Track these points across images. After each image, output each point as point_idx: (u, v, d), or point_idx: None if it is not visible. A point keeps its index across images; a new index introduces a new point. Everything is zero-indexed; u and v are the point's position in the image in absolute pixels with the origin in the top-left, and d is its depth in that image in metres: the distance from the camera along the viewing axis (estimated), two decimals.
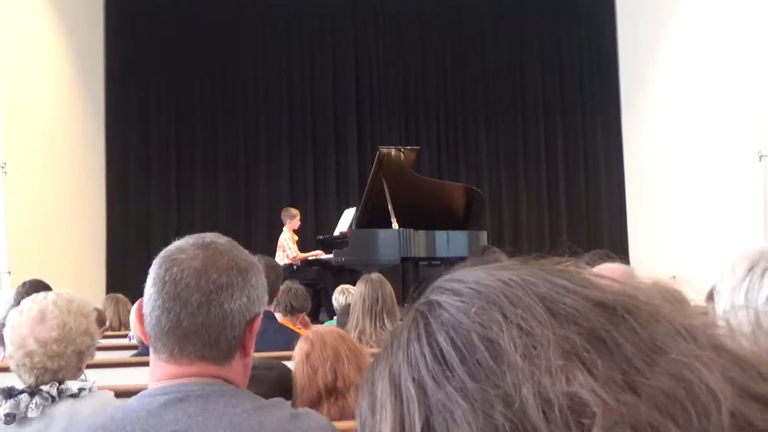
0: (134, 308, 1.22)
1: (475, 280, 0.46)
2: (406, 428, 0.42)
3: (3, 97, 6.28)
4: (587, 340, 0.41)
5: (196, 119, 10.36)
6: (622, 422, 0.37)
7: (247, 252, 1.23)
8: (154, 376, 1.17)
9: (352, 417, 1.84)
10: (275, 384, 1.86)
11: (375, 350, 2.75)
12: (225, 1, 10.35)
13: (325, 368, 1.88)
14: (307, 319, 4.13)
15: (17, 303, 1.92)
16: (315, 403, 1.86)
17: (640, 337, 0.41)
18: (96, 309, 4.63)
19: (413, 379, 0.43)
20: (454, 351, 0.43)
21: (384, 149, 7.61)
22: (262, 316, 1.22)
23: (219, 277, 1.15)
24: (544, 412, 0.38)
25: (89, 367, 1.92)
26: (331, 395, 1.87)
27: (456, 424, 0.40)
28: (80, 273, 8.36)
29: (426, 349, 0.44)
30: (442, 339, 0.44)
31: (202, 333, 1.14)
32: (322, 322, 5.76)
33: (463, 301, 0.45)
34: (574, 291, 0.44)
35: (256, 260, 1.25)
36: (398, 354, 0.45)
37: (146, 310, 1.16)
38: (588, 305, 0.43)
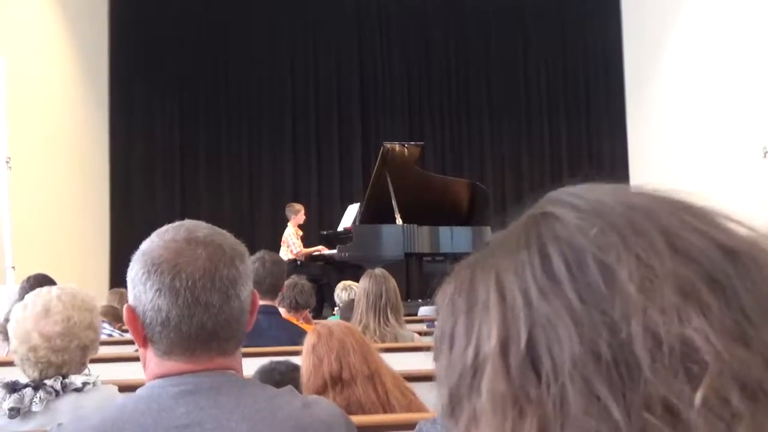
0: (125, 316, 1.17)
1: (597, 199, 0.44)
2: (512, 336, 0.40)
3: (8, 92, 6.28)
4: (705, 282, 0.38)
5: (200, 115, 10.37)
6: (731, 376, 0.36)
7: (230, 235, 1.22)
8: (159, 371, 1.15)
9: (358, 407, 1.86)
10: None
11: (380, 345, 2.75)
12: None
13: (330, 357, 1.89)
14: (309, 315, 4.11)
15: (21, 297, 1.92)
16: (320, 392, 1.87)
17: (760, 290, 0.38)
18: (112, 306, 4.65)
19: (519, 288, 0.41)
20: (565, 268, 0.40)
21: (388, 145, 7.60)
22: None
23: (230, 271, 1.14)
24: (650, 350, 0.36)
25: (93, 361, 1.92)
26: (336, 384, 1.88)
27: (558, 343, 0.38)
28: (84, 267, 8.38)
29: (536, 260, 0.41)
30: (554, 253, 0.41)
31: (226, 329, 1.14)
32: (326, 318, 5.75)
33: (581, 219, 0.42)
34: (698, 230, 0.41)
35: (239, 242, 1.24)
36: (504, 261, 0.43)
37: (151, 320, 1.12)
38: (712, 247, 0.40)
